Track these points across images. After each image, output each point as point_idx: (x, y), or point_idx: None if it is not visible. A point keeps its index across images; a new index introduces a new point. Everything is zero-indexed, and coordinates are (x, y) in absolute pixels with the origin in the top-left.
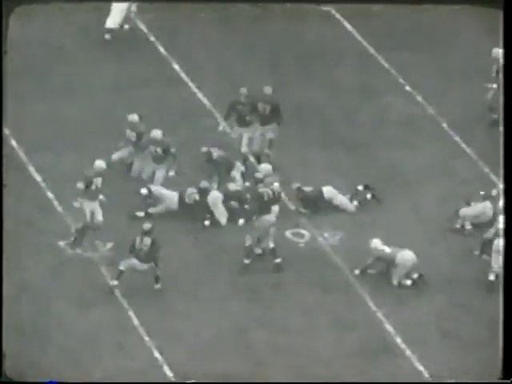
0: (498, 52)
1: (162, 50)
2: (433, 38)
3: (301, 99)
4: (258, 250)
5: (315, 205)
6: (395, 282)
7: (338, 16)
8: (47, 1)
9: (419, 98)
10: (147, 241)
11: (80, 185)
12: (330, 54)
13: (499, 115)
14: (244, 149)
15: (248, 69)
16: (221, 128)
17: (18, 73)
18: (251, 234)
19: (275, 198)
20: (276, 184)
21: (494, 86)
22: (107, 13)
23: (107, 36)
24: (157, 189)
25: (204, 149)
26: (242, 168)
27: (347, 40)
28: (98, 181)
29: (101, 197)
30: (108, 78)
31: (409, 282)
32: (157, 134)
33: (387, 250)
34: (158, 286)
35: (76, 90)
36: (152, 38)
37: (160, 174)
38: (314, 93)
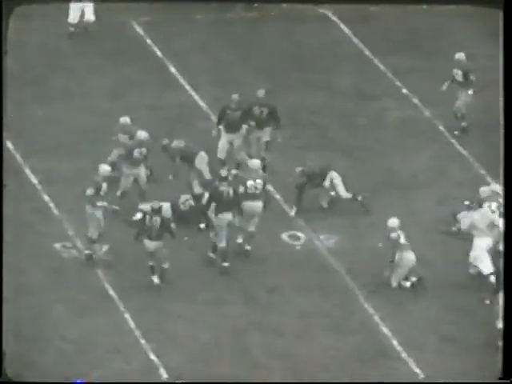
0: (461, 56)
1: (158, 53)
2: (429, 41)
3: (297, 102)
4: (247, 247)
5: (313, 183)
6: (395, 283)
7: (334, 19)
8: (47, 1)
9: (416, 101)
10: (157, 219)
11: (90, 191)
12: (326, 57)
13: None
14: (236, 155)
15: (244, 72)
16: (214, 133)
17: (15, 74)
18: (216, 233)
19: (250, 195)
20: (258, 181)
21: (470, 91)
22: (106, 13)
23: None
24: (146, 206)
25: (165, 141)
26: (207, 157)
27: (344, 43)
28: (104, 186)
29: (105, 203)
30: (105, 81)
31: (408, 284)
32: (142, 134)
33: (402, 240)
34: (156, 281)
35: (73, 93)
36: (148, 41)
37: (144, 176)
38: (310, 96)
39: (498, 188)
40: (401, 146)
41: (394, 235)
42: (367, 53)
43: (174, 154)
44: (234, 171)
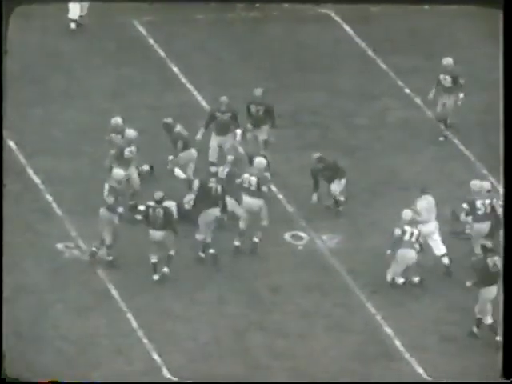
0: (449, 61)
1: (159, 52)
2: (431, 41)
3: (299, 102)
4: (255, 239)
5: (325, 174)
6: (389, 278)
7: (336, 19)
8: (47, 1)
9: (418, 101)
10: (160, 210)
11: (110, 199)
12: (328, 57)
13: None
14: (228, 157)
15: (246, 72)
16: (199, 136)
17: (16, 75)
18: (199, 227)
19: (246, 189)
20: (252, 178)
21: (461, 95)
22: (108, 13)
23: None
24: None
25: (169, 120)
26: (195, 154)
27: (346, 43)
28: (120, 190)
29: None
30: (105, 80)
31: (400, 281)
32: (131, 133)
33: (406, 237)
34: (166, 270)
35: (74, 93)
36: (150, 41)
37: (136, 176)
38: (312, 96)
39: (488, 185)
40: (403, 146)
41: (397, 232)
42: (369, 53)
43: (177, 138)
44: (226, 169)
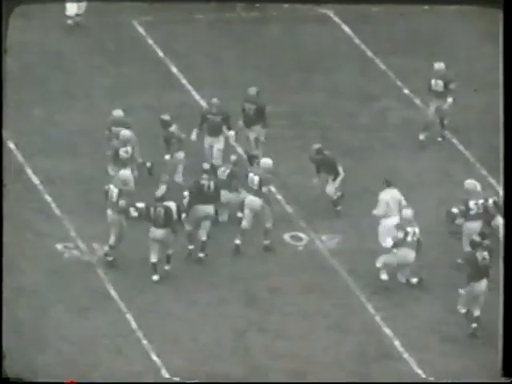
0: (441, 65)
1: (159, 52)
2: (431, 41)
3: (299, 102)
4: (265, 242)
5: (323, 167)
6: (378, 264)
7: (336, 19)
8: (47, 0)
9: (417, 102)
10: (161, 208)
11: (122, 202)
12: (328, 57)
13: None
14: (216, 158)
15: (245, 72)
16: (194, 137)
17: (16, 75)
18: (189, 220)
19: (249, 188)
20: (256, 178)
21: (449, 99)
22: (105, 13)
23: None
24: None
25: (166, 117)
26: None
27: (345, 43)
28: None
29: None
30: (105, 81)
31: (384, 277)
32: (126, 133)
33: (409, 238)
34: (167, 268)
35: (74, 93)
36: (149, 41)
37: (131, 178)
38: (312, 96)
39: (478, 186)
40: (402, 147)
41: (400, 234)
42: (369, 53)
43: (170, 138)
44: (228, 170)
